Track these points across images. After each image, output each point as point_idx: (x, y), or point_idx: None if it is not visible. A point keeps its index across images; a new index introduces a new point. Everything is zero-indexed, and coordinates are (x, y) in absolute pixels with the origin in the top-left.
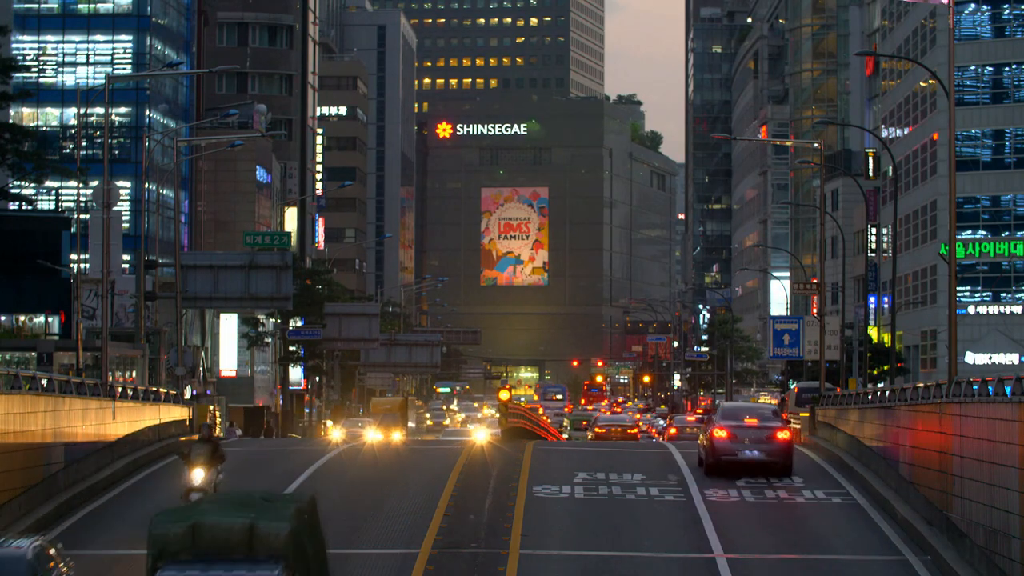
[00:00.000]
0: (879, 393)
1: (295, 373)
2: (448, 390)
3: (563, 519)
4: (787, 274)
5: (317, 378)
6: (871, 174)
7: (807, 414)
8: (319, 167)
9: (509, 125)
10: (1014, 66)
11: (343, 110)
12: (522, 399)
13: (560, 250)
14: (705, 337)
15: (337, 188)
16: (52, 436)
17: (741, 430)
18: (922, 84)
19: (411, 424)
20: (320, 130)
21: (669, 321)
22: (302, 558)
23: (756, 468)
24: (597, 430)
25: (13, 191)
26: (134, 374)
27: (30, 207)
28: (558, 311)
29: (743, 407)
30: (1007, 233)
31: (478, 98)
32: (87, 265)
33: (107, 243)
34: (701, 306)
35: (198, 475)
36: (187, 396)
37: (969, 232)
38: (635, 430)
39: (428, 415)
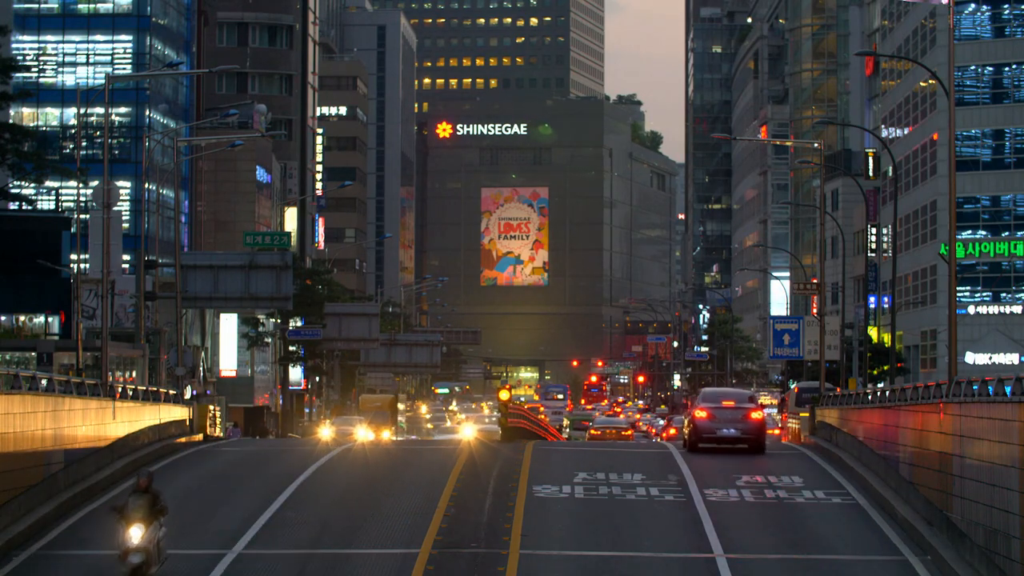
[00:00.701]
0: (879, 393)
1: (295, 373)
2: (447, 391)
3: (563, 519)
4: (787, 274)
5: (317, 378)
6: (871, 174)
7: (807, 414)
8: (319, 167)
9: (509, 125)
10: (1014, 66)
11: (343, 110)
12: (522, 399)
13: (560, 250)
14: (705, 337)
15: (337, 188)
16: (52, 436)
17: (719, 411)
18: (922, 84)
19: (404, 422)
20: (320, 130)
21: (669, 321)
22: None
23: (732, 443)
24: (593, 432)
25: (13, 191)
26: (134, 374)
27: (30, 207)
28: (558, 311)
29: (721, 392)
30: (1007, 233)
31: (478, 98)
32: (87, 265)
33: (107, 243)
34: (701, 306)
35: (136, 533)
36: (187, 396)
37: (969, 232)
38: (629, 432)
39: (428, 417)
